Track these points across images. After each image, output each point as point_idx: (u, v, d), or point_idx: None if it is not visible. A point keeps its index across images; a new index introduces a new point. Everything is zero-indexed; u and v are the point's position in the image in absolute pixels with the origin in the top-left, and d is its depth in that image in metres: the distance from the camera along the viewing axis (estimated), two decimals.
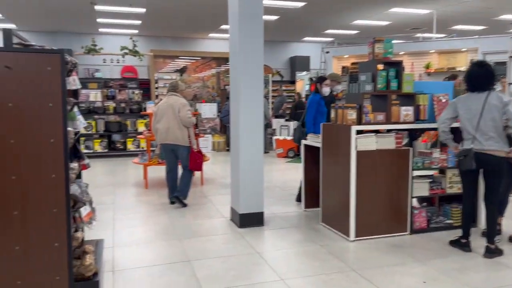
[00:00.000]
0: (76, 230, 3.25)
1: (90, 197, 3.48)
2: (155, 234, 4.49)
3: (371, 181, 4.20)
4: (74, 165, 3.03)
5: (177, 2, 10.19)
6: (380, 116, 4.20)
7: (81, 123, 3.27)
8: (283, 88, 17.27)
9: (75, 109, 3.25)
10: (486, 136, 3.71)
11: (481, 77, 3.72)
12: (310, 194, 5.32)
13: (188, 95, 5.91)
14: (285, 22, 13.11)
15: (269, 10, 11.47)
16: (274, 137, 10.54)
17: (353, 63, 12.30)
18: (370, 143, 4.17)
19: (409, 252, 3.93)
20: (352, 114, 4.11)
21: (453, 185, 4.53)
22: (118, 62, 11.31)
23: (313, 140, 5.11)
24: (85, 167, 3.40)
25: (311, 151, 5.21)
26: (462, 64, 11.17)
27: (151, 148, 7.61)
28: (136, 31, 14.28)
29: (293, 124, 10.56)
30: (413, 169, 4.33)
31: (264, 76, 14.11)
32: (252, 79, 4.58)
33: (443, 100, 4.43)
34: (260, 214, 4.72)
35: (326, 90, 5.62)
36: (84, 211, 3.18)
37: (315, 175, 5.17)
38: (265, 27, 13.98)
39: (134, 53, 10.38)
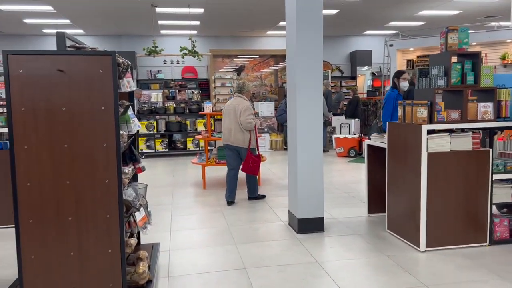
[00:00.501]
0: (131, 235, 3.21)
1: (145, 200, 3.43)
2: (212, 238, 4.39)
3: (444, 186, 3.79)
4: (128, 168, 2.98)
5: (234, 1, 10.14)
6: (455, 114, 3.77)
7: (135, 125, 3.21)
8: (343, 84, 16.73)
9: (130, 111, 3.20)
10: None
11: None
12: (375, 199, 4.97)
13: (247, 96, 5.85)
14: (345, 16, 12.63)
15: (328, 4, 11.08)
16: (334, 136, 10.16)
17: (419, 56, 11.58)
18: (443, 144, 3.76)
19: (489, 266, 3.49)
20: (422, 112, 3.72)
21: None
22: (178, 63, 11.45)
23: (378, 140, 4.75)
24: (140, 170, 3.35)
25: (376, 151, 4.86)
26: None
27: (209, 148, 7.59)
28: (195, 32, 14.49)
29: (354, 122, 10.12)
30: (493, 173, 3.85)
31: (323, 72, 13.74)
32: (310, 75, 4.33)
33: None
34: (320, 220, 4.46)
35: (404, 85, 5.21)
36: (139, 215, 3.13)
37: (379, 178, 4.82)
38: (325, 21, 13.60)
39: (193, 53, 10.46)
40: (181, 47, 10.45)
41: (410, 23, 14.22)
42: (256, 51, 15.62)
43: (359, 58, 16.60)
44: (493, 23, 12.63)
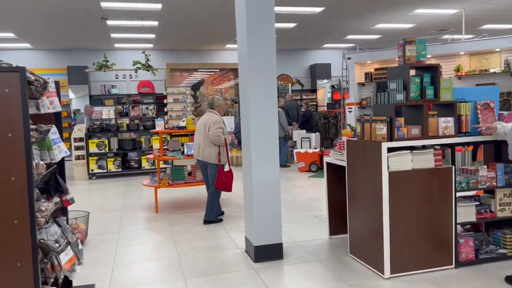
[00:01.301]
0: (56, 281, 2.75)
1: (75, 237, 2.98)
2: (160, 273, 3.95)
3: (407, 206, 3.56)
4: (49, 204, 2.54)
5: (188, 14, 9.80)
6: (415, 130, 3.57)
7: (60, 152, 2.78)
8: (304, 97, 16.69)
9: (54, 135, 2.77)
10: None
11: None
12: (336, 219, 4.70)
13: (220, 110, 5.79)
14: (304, 29, 12.59)
15: (286, 17, 10.97)
16: (295, 150, 9.94)
17: (377, 69, 11.65)
18: (404, 162, 3.54)
19: None
20: (381, 129, 3.50)
21: (505, 207, 3.84)
22: (130, 77, 10.96)
23: (337, 157, 4.51)
24: (68, 203, 2.91)
25: (335, 169, 4.61)
26: (496, 65, 10.34)
27: (162, 167, 7.14)
28: (151, 45, 14.02)
29: (314, 136, 9.95)
30: (456, 191, 3.67)
31: (284, 86, 13.56)
32: (263, 91, 4.03)
33: (489, 108, 3.77)
34: (279, 246, 4.13)
35: None
36: (65, 257, 2.68)
37: (340, 197, 4.57)
38: (284, 35, 13.49)
39: (147, 67, 10.01)
40: (134, 61, 9.99)
41: (367, 36, 14.39)
42: (215, 64, 15.32)
43: (319, 71, 16.64)
44: (446, 36, 12.95)
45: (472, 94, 3.85)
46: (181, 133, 7.02)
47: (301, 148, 9.86)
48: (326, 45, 16.27)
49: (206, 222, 5.58)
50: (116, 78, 11.02)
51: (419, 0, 9.83)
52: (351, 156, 3.99)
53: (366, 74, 11.75)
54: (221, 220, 5.64)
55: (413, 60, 3.57)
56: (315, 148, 9.80)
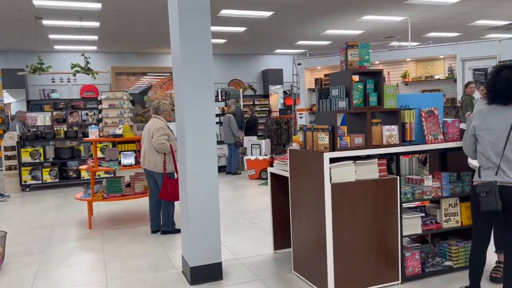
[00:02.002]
0: None
1: None
2: None
3: (351, 220, 3.35)
4: None
5: (132, 15, 9.30)
6: (359, 139, 3.37)
7: None
8: (256, 102, 16.50)
9: None
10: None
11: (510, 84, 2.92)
12: (281, 233, 4.45)
13: (165, 116, 5.44)
14: (254, 34, 12.39)
15: (236, 21, 10.72)
16: (245, 157, 9.67)
17: (326, 75, 11.64)
18: (348, 173, 3.33)
19: None
20: (323, 138, 3.27)
21: (450, 218, 3.73)
22: (69, 81, 10.26)
23: (280, 167, 4.25)
24: None
25: (280, 179, 4.35)
26: (440, 72, 10.60)
27: (105, 176, 6.62)
28: (94, 48, 13.32)
29: (264, 142, 9.73)
30: (402, 202, 3.51)
31: (235, 91, 13.26)
32: (200, 96, 3.70)
33: (433, 115, 3.65)
34: (217, 266, 3.80)
35: None
36: None
37: (286, 209, 4.30)
38: (234, 39, 13.23)
39: (87, 70, 9.39)
40: (72, 64, 9.34)
41: (317, 42, 14.43)
42: (164, 68, 14.80)
43: (271, 77, 16.53)
44: (393, 43, 13.18)
45: (416, 101, 3.72)
46: (122, 140, 6.54)
47: (252, 155, 9.61)
48: (277, 50, 16.19)
49: (164, 232, 5.35)
50: (53, 81, 10.28)
51: (367, 6, 9.90)
52: (294, 166, 3.75)
53: (316, 80, 11.71)
54: (179, 231, 5.25)
55: (355, 65, 3.38)
56: (266, 155, 9.58)
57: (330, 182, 3.26)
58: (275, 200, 4.46)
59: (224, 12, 9.72)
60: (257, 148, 9.61)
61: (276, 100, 17.44)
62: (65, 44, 12.49)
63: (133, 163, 5.92)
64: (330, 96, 3.44)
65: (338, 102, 3.33)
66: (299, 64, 11.52)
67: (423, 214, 3.68)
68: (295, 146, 8.81)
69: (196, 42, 3.63)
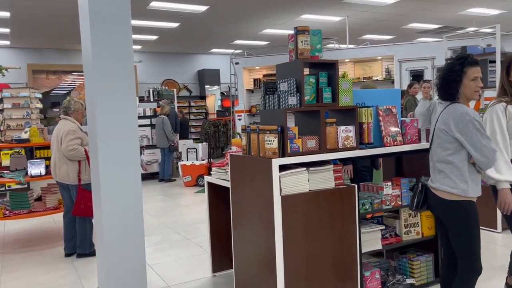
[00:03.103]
0: None
1: None
2: None
3: (304, 235, 2.82)
4: None
5: (46, 6, 8.15)
6: (312, 142, 2.85)
7: None
8: (192, 104, 15.73)
9: None
10: (433, 167, 2.62)
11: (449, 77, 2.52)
12: (221, 252, 3.82)
13: (77, 116, 4.59)
14: (188, 31, 11.66)
15: (168, 16, 9.94)
16: (180, 163, 8.92)
17: (265, 75, 11.22)
18: (300, 182, 2.79)
19: None
20: (271, 141, 2.71)
21: (410, 229, 3.33)
22: None
23: (220, 176, 3.64)
24: None
25: (219, 189, 3.74)
26: (378, 73, 10.57)
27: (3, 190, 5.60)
28: (7, 42, 11.84)
29: (201, 146, 9.05)
30: (360, 214, 3.04)
31: (169, 91, 12.41)
32: (117, 96, 2.97)
33: (391, 114, 3.24)
34: None
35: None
36: None
37: (227, 224, 3.70)
38: (167, 36, 12.33)
39: None
40: None
41: (255, 42, 14.01)
42: None
43: (207, 77, 15.85)
44: (331, 45, 13.08)
45: (372, 97, 3.28)
46: (29, 146, 5.54)
47: (187, 160, 8.88)
48: (214, 50, 15.57)
49: (80, 255, 4.50)
50: None
51: (305, 5, 9.59)
52: (236, 175, 3.15)
53: (255, 80, 11.24)
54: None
55: (307, 55, 2.85)
56: (203, 160, 8.90)
57: (280, 194, 2.70)
58: (214, 214, 3.83)
59: (155, 4, 8.92)
60: (193, 153, 8.91)
61: (213, 101, 16.79)
62: None
63: (43, 173, 4.99)
64: (278, 91, 2.89)
65: (287, 98, 2.78)
66: (236, 63, 10.98)
67: (383, 227, 3.25)
68: (235, 149, 8.20)
69: (111, 22, 2.90)
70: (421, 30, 13.20)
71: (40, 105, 6.57)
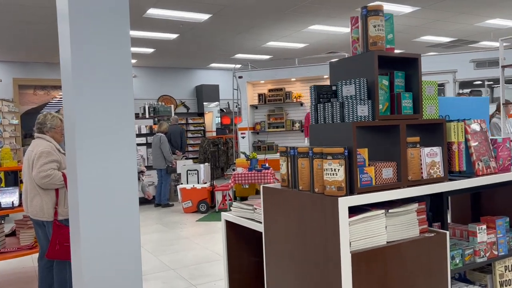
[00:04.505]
0: None
1: None
2: None
3: None
4: None
5: (30, 11, 7.26)
6: (388, 171, 1.97)
7: None
8: (190, 121, 14.86)
9: None
10: None
11: None
12: None
13: (56, 135, 3.65)
14: (187, 43, 10.87)
15: (167, 25, 9.14)
16: (180, 186, 8.00)
17: (270, 90, 10.42)
18: (375, 231, 1.90)
19: None
20: (335, 171, 1.82)
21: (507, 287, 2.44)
22: None
23: (243, 214, 2.73)
24: None
25: (242, 230, 2.83)
26: None
27: None
28: None
29: (203, 167, 8.14)
30: (451, 271, 2.14)
31: (166, 107, 11.53)
32: (105, 101, 2.09)
33: (481, 131, 2.38)
34: None
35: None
36: None
37: (248, 273, 2.80)
38: (165, 49, 11.43)
39: None
40: None
41: (257, 56, 13.25)
42: None
43: (206, 93, 15.03)
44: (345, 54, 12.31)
45: (455, 107, 2.42)
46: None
47: (187, 183, 7.95)
48: (213, 65, 14.79)
49: None
50: None
51: (315, 14, 8.85)
52: (273, 216, 2.25)
53: (259, 95, 10.43)
54: None
55: (382, 45, 1.99)
56: (205, 183, 7.98)
57: (350, 251, 1.81)
58: (234, 264, 2.90)
59: (152, 12, 8.12)
60: (194, 175, 7.98)
61: (211, 119, 15.94)
62: None
63: (16, 203, 4.06)
64: (339, 96, 2.02)
65: (355, 107, 1.91)
66: (240, 77, 10.18)
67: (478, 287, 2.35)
68: (241, 171, 7.27)
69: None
70: (432, 44, 12.54)
71: (16, 121, 5.63)
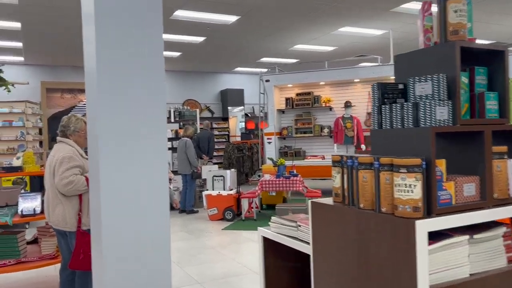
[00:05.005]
0: None
1: None
2: None
3: None
4: None
5: (55, 15, 7.19)
6: (469, 188, 1.63)
7: None
8: (215, 125, 14.66)
9: None
10: None
11: None
12: None
13: (79, 138, 3.41)
14: (214, 46, 10.67)
15: (194, 28, 8.94)
16: (205, 192, 7.74)
17: (298, 94, 10.09)
18: (456, 261, 1.56)
19: None
20: (411, 188, 1.49)
21: None
22: None
23: (285, 231, 2.41)
24: None
25: (280, 248, 2.52)
26: None
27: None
28: (21, 59, 11.03)
29: (229, 173, 7.86)
30: None
31: (191, 112, 11.37)
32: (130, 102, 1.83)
33: None
34: None
35: None
36: None
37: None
38: (191, 53, 11.23)
39: None
40: None
41: (282, 60, 12.93)
42: None
43: (231, 97, 14.81)
44: (366, 64, 11.93)
45: None
46: (21, 175, 4.45)
47: (213, 189, 7.69)
48: (238, 69, 14.56)
49: None
50: None
51: (347, 14, 8.49)
52: (325, 237, 1.93)
53: (287, 99, 10.11)
54: None
55: (464, 34, 1.65)
56: (231, 189, 7.69)
57: (428, 284, 1.47)
58: (273, 285, 2.58)
59: (179, 13, 7.93)
60: (219, 181, 7.71)
61: (235, 123, 15.70)
62: None
63: (38, 210, 3.85)
64: (410, 96, 1.69)
65: (434, 108, 1.57)
66: (267, 80, 9.89)
67: None
68: (268, 177, 6.90)
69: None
70: None
71: (40, 123, 5.47)
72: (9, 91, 7.53)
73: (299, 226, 2.22)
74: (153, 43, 1.82)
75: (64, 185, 3.10)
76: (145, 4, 1.78)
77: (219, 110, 15.10)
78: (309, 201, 1.98)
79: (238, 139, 14.72)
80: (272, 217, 2.48)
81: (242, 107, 15.14)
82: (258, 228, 2.60)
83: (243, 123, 15.57)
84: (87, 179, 3.14)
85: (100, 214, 1.76)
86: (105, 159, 1.73)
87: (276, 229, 2.44)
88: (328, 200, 1.94)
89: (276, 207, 7.13)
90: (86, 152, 3.33)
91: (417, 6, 8.25)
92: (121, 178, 1.75)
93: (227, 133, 14.83)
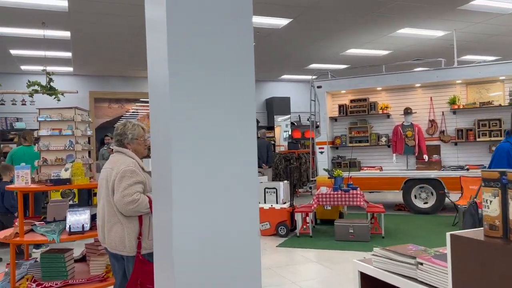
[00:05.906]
0: None
1: None
2: None
3: None
4: None
5: (106, 24, 7.05)
6: None
7: None
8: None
9: None
10: None
11: None
12: None
13: (138, 147, 3.02)
14: (262, 52, 10.28)
15: None
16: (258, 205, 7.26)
17: (352, 101, 9.48)
18: None
19: None
20: None
21: None
22: (23, 104, 7.94)
23: (394, 268, 1.88)
24: None
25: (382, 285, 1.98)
26: (498, 97, 8.47)
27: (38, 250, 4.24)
28: (70, 69, 11.11)
29: (282, 185, 7.35)
30: None
31: None
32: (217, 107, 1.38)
33: None
34: None
35: None
36: None
37: None
38: None
39: (48, 90, 7.11)
40: (29, 82, 7.05)
41: (332, 66, 12.36)
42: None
43: (277, 106, 14.37)
44: (427, 68, 11.16)
45: None
46: (69, 188, 4.15)
47: (265, 202, 7.22)
48: (284, 76, 14.12)
49: None
50: (2, 103, 7.89)
51: (409, 15, 7.85)
52: (472, 285, 1.38)
53: (340, 106, 9.53)
54: None
55: None
56: (284, 203, 7.19)
57: None
58: None
59: None
60: (272, 194, 7.23)
61: (279, 133, 15.24)
62: (31, 63, 10.26)
63: (87, 227, 3.51)
64: None
65: None
66: (319, 86, 9.36)
67: None
68: (325, 191, 6.29)
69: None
70: None
71: (90, 132, 5.23)
72: (58, 100, 7.45)
73: (420, 264, 1.69)
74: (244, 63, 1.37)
75: (126, 203, 2.70)
76: (228, 10, 1.34)
77: (264, 119, 14.70)
78: (449, 234, 1.45)
79: (282, 148, 14.24)
80: (375, 249, 1.96)
81: (288, 115, 14.67)
82: (354, 261, 2.08)
83: (287, 132, 15.09)
84: (150, 202, 2.74)
85: (172, 237, 1.31)
86: (179, 170, 1.28)
87: (382, 265, 1.91)
88: (476, 234, 1.40)
89: (335, 224, 6.56)
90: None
91: (486, 2, 7.50)
92: (201, 192, 1.31)
93: (273, 142, 14.37)
